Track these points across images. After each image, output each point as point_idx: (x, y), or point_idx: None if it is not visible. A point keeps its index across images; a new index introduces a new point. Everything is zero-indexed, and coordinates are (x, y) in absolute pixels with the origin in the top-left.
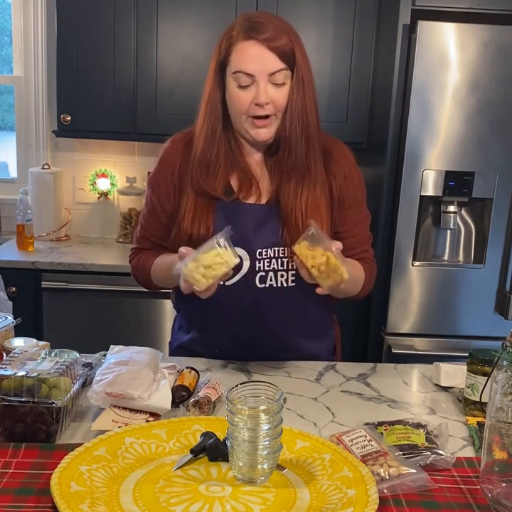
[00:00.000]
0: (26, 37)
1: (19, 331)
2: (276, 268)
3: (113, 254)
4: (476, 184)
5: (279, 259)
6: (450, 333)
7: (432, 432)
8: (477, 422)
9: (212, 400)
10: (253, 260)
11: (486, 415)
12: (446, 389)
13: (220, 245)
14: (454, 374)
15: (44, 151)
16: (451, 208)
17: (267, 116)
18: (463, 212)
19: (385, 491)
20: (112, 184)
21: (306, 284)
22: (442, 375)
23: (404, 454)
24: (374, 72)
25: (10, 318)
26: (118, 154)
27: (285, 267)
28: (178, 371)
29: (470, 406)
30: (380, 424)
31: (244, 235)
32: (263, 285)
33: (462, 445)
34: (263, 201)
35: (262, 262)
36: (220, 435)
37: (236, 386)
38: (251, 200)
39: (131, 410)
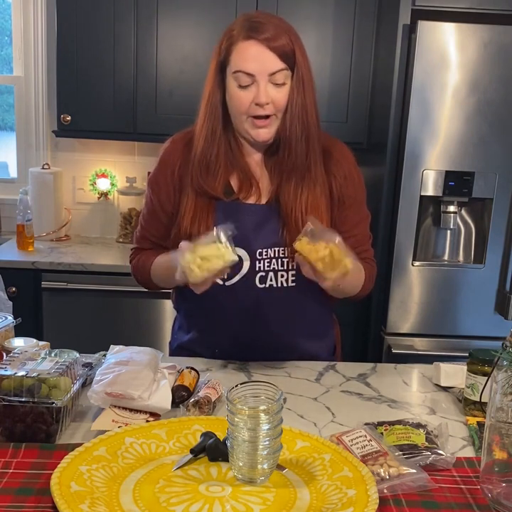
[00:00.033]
0: (26, 37)
1: (19, 331)
2: (276, 268)
3: (113, 254)
4: (476, 184)
5: (279, 260)
6: (450, 333)
7: (431, 431)
8: (477, 422)
9: (212, 400)
10: (253, 260)
11: (486, 415)
12: (446, 389)
13: (219, 239)
14: (454, 374)
15: (44, 151)
16: (451, 208)
17: (267, 117)
18: (463, 212)
19: (385, 491)
20: (112, 184)
21: (307, 284)
22: (442, 375)
23: (404, 454)
24: (374, 72)
25: (10, 318)
26: (118, 154)
27: (285, 267)
28: (178, 371)
29: (470, 406)
30: (380, 424)
31: (244, 235)
32: (263, 285)
33: (462, 445)
34: (263, 201)
35: (262, 262)
36: (220, 435)
37: (236, 386)
38: (251, 200)
39: (131, 410)
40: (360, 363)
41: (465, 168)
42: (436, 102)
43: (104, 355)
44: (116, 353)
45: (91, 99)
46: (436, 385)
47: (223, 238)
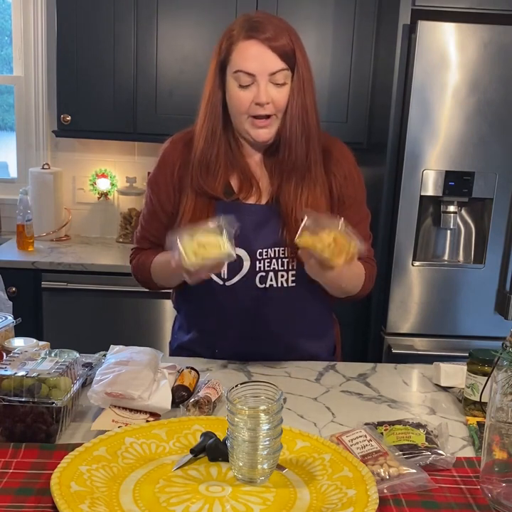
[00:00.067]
0: (26, 37)
1: (19, 331)
2: (276, 268)
3: (113, 254)
4: (476, 184)
5: (280, 260)
6: (450, 333)
7: (431, 432)
8: (477, 422)
9: (212, 400)
10: (253, 260)
11: (486, 415)
12: (446, 389)
13: (220, 230)
14: (454, 374)
15: (44, 151)
16: (451, 208)
17: (267, 117)
18: (463, 212)
19: (385, 491)
20: (112, 184)
21: (307, 284)
22: (442, 375)
23: (404, 454)
24: (374, 72)
25: (10, 318)
26: (118, 154)
27: (285, 267)
28: (178, 371)
29: (470, 406)
30: (380, 424)
31: (244, 235)
32: (263, 285)
33: (462, 445)
34: (263, 201)
35: (262, 262)
36: (220, 435)
37: (236, 386)
38: (251, 201)
39: (131, 410)
40: (360, 363)
41: (465, 168)
42: (436, 102)
43: (104, 355)
44: (116, 353)
45: (91, 99)
46: (436, 385)
47: (224, 230)
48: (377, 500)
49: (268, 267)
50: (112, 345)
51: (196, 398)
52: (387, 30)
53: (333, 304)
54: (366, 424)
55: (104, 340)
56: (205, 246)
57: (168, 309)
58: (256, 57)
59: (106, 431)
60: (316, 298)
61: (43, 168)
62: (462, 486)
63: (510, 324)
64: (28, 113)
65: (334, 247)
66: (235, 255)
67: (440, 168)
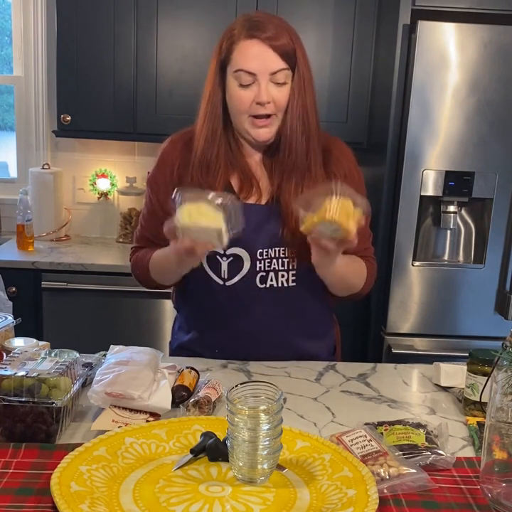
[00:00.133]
0: (26, 37)
1: (19, 331)
2: (276, 268)
3: (113, 254)
4: (476, 184)
5: (280, 260)
6: (450, 333)
7: (432, 432)
8: (477, 422)
9: (212, 400)
10: (253, 260)
11: (486, 415)
12: (446, 389)
13: (223, 209)
14: (454, 374)
15: (44, 151)
16: (451, 208)
17: (268, 116)
18: (463, 212)
19: (385, 491)
20: (112, 184)
21: (307, 284)
22: (442, 375)
23: (404, 454)
24: (374, 72)
25: (10, 318)
26: (118, 154)
27: (286, 267)
28: (178, 371)
29: (470, 406)
30: (380, 424)
31: (244, 235)
32: (264, 285)
33: (462, 445)
34: (263, 201)
35: (262, 262)
36: (220, 435)
37: (236, 386)
38: (251, 201)
39: (131, 410)
40: (360, 363)
41: (465, 168)
42: (436, 102)
43: (104, 355)
44: (116, 353)
45: (91, 99)
46: (436, 385)
47: (226, 210)
48: (377, 500)
49: (268, 266)
50: (112, 345)
51: (196, 398)
52: (387, 30)
53: (333, 304)
54: (366, 424)
55: (104, 340)
56: (202, 213)
57: (168, 309)
58: (257, 57)
59: (106, 431)
60: (316, 298)
61: (43, 168)
62: (462, 486)
63: (510, 324)
64: (28, 113)
65: (342, 212)
66: (226, 240)
67: (440, 168)
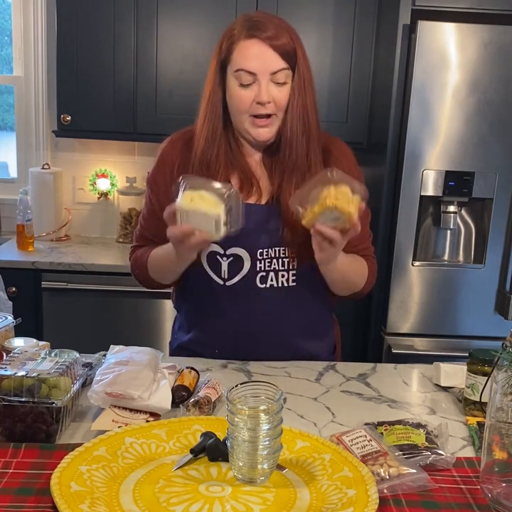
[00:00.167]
0: (26, 37)
1: (19, 331)
2: (276, 268)
3: (113, 254)
4: (476, 184)
5: (280, 259)
6: (450, 333)
7: (432, 432)
8: (477, 422)
9: (212, 400)
10: (254, 260)
11: (486, 415)
12: (446, 389)
13: (226, 200)
14: (454, 374)
15: (44, 151)
16: (451, 208)
17: (268, 116)
18: (463, 212)
19: (385, 491)
20: (112, 184)
21: (307, 284)
22: (442, 375)
23: (404, 454)
24: (374, 72)
25: (10, 318)
26: (118, 154)
27: (286, 267)
28: (178, 371)
29: (470, 406)
30: (380, 424)
31: (245, 235)
32: (264, 285)
33: (462, 445)
34: (263, 201)
35: (262, 262)
36: (220, 435)
37: (236, 386)
38: (251, 200)
39: (131, 410)
40: (360, 363)
41: (465, 168)
42: (436, 102)
43: (104, 355)
44: (116, 353)
45: (91, 99)
46: (436, 385)
47: (227, 202)
48: (377, 500)
49: (268, 266)
50: (112, 345)
51: (196, 398)
52: (387, 30)
53: (333, 304)
54: (366, 424)
55: (104, 340)
56: (204, 199)
57: (168, 309)
58: (257, 56)
59: (106, 431)
60: (316, 298)
61: (43, 168)
62: (462, 486)
63: (510, 324)
64: (28, 113)
65: (341, 198)
66: (223, 231)
67: (440, 168)
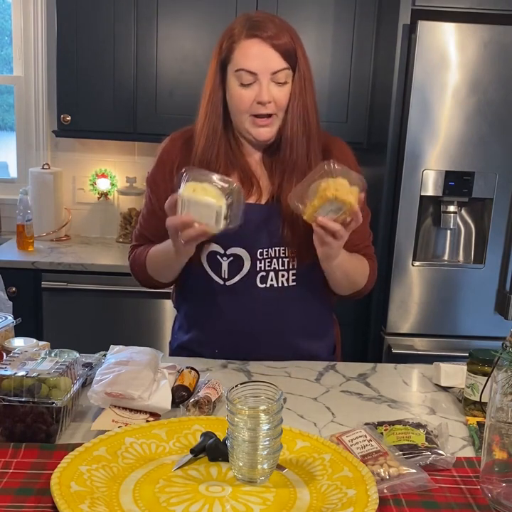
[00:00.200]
0: (26, 37)
1: (19, 331)
2: (276, 268)
3: (113, 254)
4: (476, 184)
5: (280, 259)
6: (450, 333)
7: (432, 432)
8: (477, 422)
9: (212, 400)
10: (254, 260)
11: (486, 415)
12: (446, 389)
13: (228, 194)
14: (454, 374)
15: (44, 151)
16: (451, 208)
17: (269, 115)
18: (463, 212)
19: (385, 491)
20: (112, 184)
21: (307, 284)
22: (442, 375)
23: (404, 454)
24: (374, 72)
25: (10, 318)
26: (118, 154)
27: (286, 267)
28: (178, 371)
29: (470, 406)
30: (380, 424)
31: (245, 235)
32: (264, 285)
33: (462, 445)
34: (263, 201)
35: (262, 262)
36: (220, 435)
37: (236, 386)
38: (251, 200)
39: (131, 410)
40: (360, 363)
41: (465, 168)
42: (436, 102)
43: (104, 355)
44: (116, 353)
45: (91, 99)
46: (436, 385)
47: (229, 197)
48: (377, 500)
49: (268, 266)
50: (112, 345)
51: (196, 398)
52: (387, 30)
53: (333, 304)
54: (366, 424)
55: (104, 340)
56: (206, 191)
57: (168, 309)
58: (258, 56)
59: (106, 431)
60: (316, 298)
61: (43, 168)
62: (462, 486)
63: (510, 324)
64: (28, 113)
65: (341, 189)
66: (222, 224)
67: (440, 168)
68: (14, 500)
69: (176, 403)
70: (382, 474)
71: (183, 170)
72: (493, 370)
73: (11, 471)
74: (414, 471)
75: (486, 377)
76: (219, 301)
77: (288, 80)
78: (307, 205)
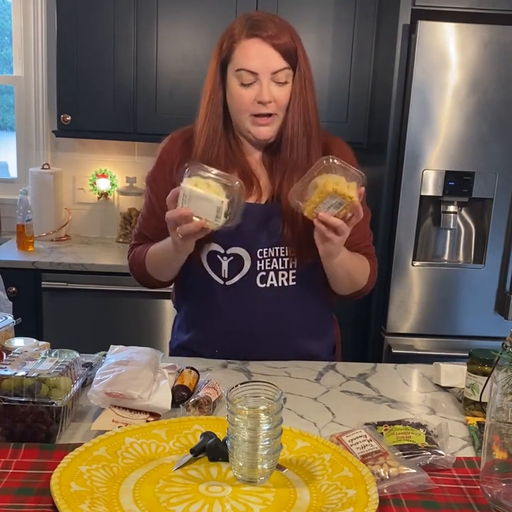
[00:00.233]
0: (26, 37)
1: (19, 331)
2: (277, 267)
3: (113, 254)
4: (476, 184)
5: (280, 259)
6: (450, 333)
7: (432, 432)
8: (477, 422)
9: (212, 400)
10: (254, 260)
11: (486, 415)
12: (446, 389)
13: (229, 192)
14: (454, 374)
15: (44, 151)
16: (451, 208)
17: (269, 115)
18: (463, 212)
19: (385, 491)
20: (112, 184)
21: (307, 284)
22: (442, 375)
23: (404, 454)
24: (374, 72)
25: (10, 318)
26: (118, 154)
27: (286, 267)
28: (178, 371)
29: (470, 406)
30: (380, 424)
31: (245, 234)
32: (264, 285)
33: (462, 445)
34: (263, 201)
35: (262, 261)
36: (220, 435)
37: (236, 386)
38: (251, 200)
39: (131, 410)
40: (360, 363)
41: (465, 168)
42: (436, 102)
43: (104, 355)
44: (116, 353)
45: (91, 99)
46: (436, 385)
47: (230, 194)
48: (377, 500)
49: (269, 266)
50: (112, 345)
51: (196, 398)
52: (387, 30)
53: (333, 304)
54: (366, 424)
55: (104, 340)
56: (208, 186)
57: (168, 309)
58: (258, 56)
59: (106, 431)
60: (316, 298)
61: (43, 168)
62: (462, 486)
63: (510, 324)
64: (28, 113)
65: (341, 184)
66: (222, 221)
67: (440, 168)
68: (14, 500)
69: (176, 403)
70: (382, 474)
71: (187, 164)
72: (493, 370)
73: (11, 471)
74: (414, 471)
75: (486, 377)
76: (219, 301)
77: (288, 79)
78: (307, 202)
